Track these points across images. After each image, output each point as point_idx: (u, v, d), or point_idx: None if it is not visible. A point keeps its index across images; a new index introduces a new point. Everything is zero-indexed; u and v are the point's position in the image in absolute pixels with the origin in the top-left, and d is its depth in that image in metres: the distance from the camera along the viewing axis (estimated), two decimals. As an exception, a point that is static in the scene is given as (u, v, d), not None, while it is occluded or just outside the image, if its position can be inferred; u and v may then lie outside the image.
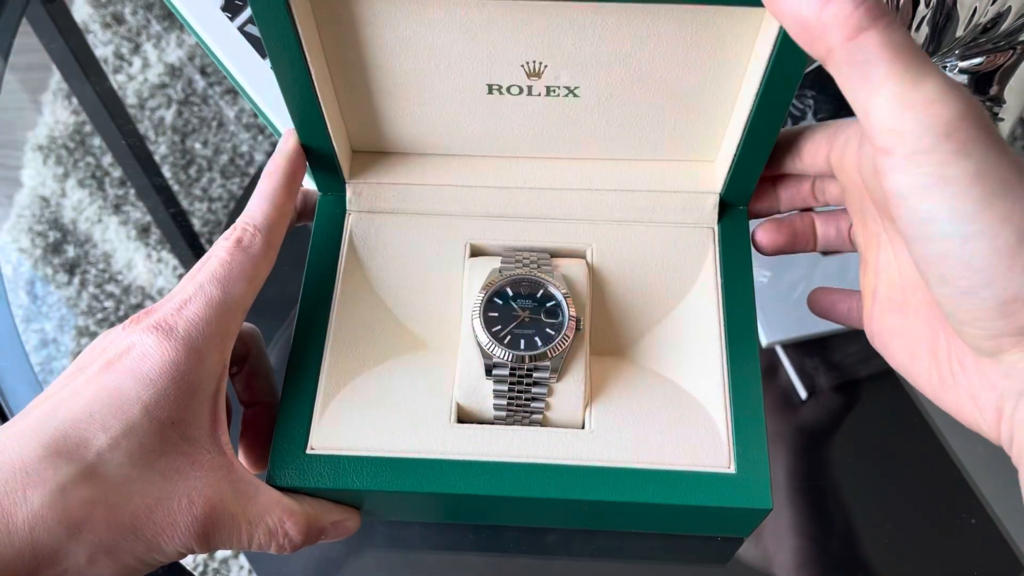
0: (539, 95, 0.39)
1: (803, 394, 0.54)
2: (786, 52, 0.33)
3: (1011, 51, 0.45)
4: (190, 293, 0.34)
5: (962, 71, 0.48)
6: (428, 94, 0.39)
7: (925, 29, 0.39)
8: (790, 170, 0.40)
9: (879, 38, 0.25)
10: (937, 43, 0.41)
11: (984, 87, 0.48)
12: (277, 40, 0.34)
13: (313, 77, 0.36)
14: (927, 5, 0.38)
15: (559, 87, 0.38)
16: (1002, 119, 0.49)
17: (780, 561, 0.48)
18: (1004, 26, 0.41)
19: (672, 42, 0.35)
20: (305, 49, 0.34)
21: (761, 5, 0.30)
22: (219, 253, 0.35)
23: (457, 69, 0.37)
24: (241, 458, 0.39)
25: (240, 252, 0.35)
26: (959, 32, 0.40)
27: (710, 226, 0.42)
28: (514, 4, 0.34)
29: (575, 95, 0.38)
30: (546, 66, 0.37)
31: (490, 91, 0.39)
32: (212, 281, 0.34)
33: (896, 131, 0.26)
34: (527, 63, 0.37)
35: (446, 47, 0.36)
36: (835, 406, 0.54)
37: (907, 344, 0.34)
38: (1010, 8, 0.40)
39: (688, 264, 0.41)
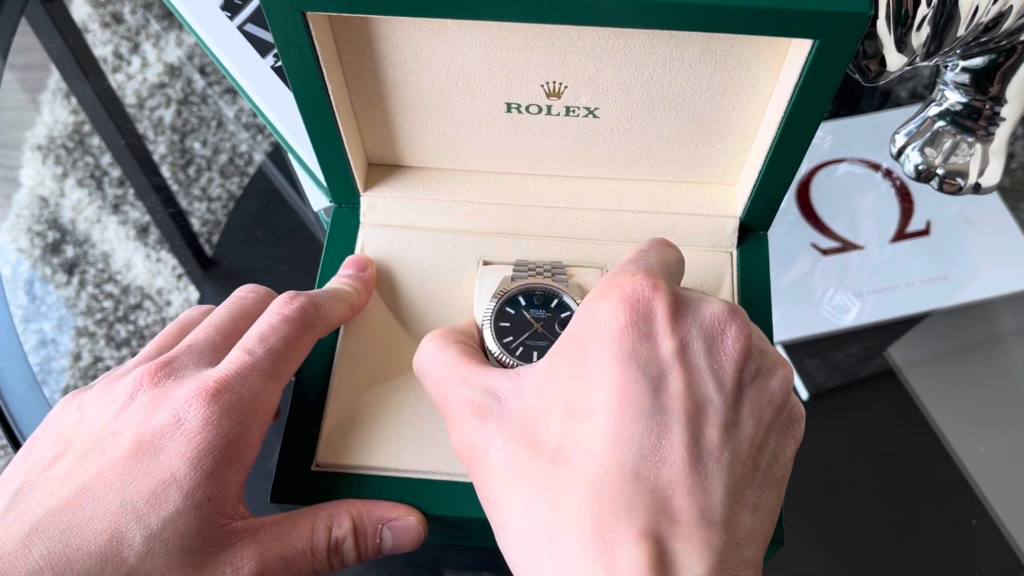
0: (558, 115, 0.38)
1: (804, 394, 0.54)
2: (814, 79, 0.32)
3: (1012, 50, 0.45)
4: (245, 360, 0.32)
5: (964, 70, 0.47)
6: (446, 111, 0.39)
7: (926, 28, 0.39)
8: None
9: None
10: (939, 42, 0.41)
11: (984, 87, 0.48)
12: (294, 54, 0.33)
13: (330, 92, 0.35)
14: (928, 4, 0.38)
15: (579, 107, 0.38)
16: (1003, 119, 0.49)
17: (779, 561, 0.48)
18: (1005, 25, 0.41)
19: (696, 67, 0.35)
20: (322, 64, 0.34)
21: (789, 34, 0.30)
22: (275, 322, 0.34)
23: (476, 87, 0.37)
24: None
25: (301, 326, 0.34)
26: (960, 31, 0.40)
27: (729, 250, 0.42)
28: (535, 25, 0.33)
29: (595, 116, 0.38)
30: (566, 87, 0.36)
31: (508, 109, 0.38)
32: (268, 353, 0.33)
33: None
34: (547, 83, 0.36)
35: (465, 66, 0.36)
36: (835, 406, 0.54)
37: None
38: (1011, 7, 0.40)
39: (705, 288, 0.41)
